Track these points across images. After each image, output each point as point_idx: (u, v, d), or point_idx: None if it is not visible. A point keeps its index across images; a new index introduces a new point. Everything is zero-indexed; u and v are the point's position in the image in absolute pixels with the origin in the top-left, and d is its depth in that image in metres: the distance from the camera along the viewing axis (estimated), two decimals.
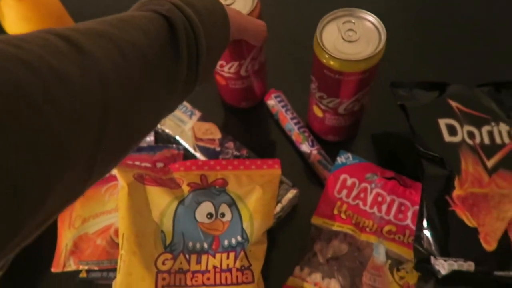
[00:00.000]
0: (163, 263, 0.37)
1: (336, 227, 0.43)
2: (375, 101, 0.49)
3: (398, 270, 0.41)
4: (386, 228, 0.43)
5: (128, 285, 0.36)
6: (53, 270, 0.41)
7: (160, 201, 0.39)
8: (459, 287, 0.42)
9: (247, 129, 0.53)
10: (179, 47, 0.28)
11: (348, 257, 0.41)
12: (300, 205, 0.47)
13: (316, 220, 0.44)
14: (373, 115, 0.51)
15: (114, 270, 0.41)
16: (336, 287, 0.40)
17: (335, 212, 0.44)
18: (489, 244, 0.38)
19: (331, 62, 0.38)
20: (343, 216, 0.44)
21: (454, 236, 0.38)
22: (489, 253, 0.38)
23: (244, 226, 0.39)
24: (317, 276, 0.41)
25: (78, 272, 0.41)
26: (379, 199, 0.45)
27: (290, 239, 0.45)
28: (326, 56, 0.38)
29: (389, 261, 0.41)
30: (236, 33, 0.36)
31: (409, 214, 0.44)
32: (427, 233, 0.39)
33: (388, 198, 0.45)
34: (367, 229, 0.43)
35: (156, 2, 0.29)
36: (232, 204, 0.40)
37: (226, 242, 0.39)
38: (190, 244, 0.38)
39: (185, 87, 0.30)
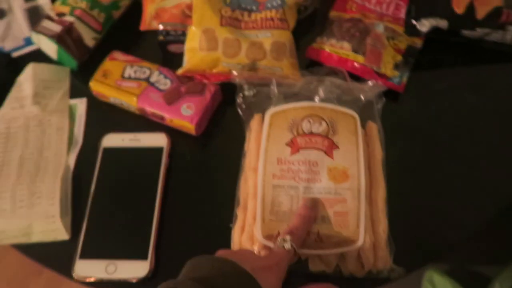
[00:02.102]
0: (225, 12, 0.52)
1: (348, 16, 0.58)
2: None
3: (393, 39, 0.56)
4: (385, 19, 0.58)
5: (201, 22, 0.51)
6: (141, 28, 0.56)
7: None
8: (437, 55, 0.57)
9: None
10: None
11: (355, 31, 0.56)
12: (320, 5, 0.62)
13: (333, 13, 0.59)
14: None
15: (184, 34, 0.55)
16: (347, 46, 0.55)
17: (347, 7, 0.59)
18: (459, 8, 0.53)
19: None
20: (353, 10, 0.59)
21: (433, 4, 0.53)
22: (458, 15, 0.53)
23: None
24: (333, 41, 0.56)
25: (157, 35, 0.57)
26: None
27: (313, 28, 0.60)
28: None
29: (386, 33, 0.56)
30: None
31: (403, 10, 0.58)
32: (413, 6, 0.54)
33: None
34: (371, 18, 0.58)
35: None
36: None
37: (269, 5, 0.54)
38: (243, 5, 0.54)
39: None
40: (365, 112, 0.48)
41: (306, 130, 0.44)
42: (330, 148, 0.43)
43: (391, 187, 0.46)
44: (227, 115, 0.55)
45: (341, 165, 0.43)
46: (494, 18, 0.53)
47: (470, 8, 0.53)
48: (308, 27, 0.61)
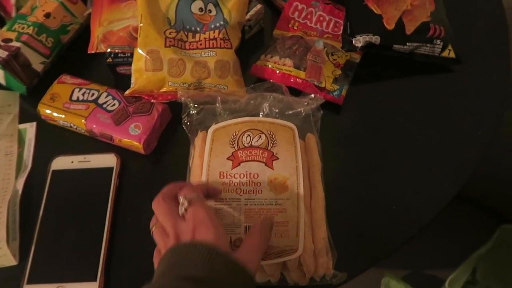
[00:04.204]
0: (170, 34, 0.54)
1: (290, 34, 0.61)
2: None
3: (332, 55, 0.59)
4: (325, 36, 0.61)
5: (146, 43, 0.53)
6: (89, 51, 0.57)
7: None
8: (374, 68, 0.60)
9: None
10: None
11: (297, 48, 0.59)
12: (265, 25, 0.65)
13: (277, 32, 0.62)
14: None
15: (132, 56, 0.57)
16: (290, 62, 0.58)
17: (290, 26, 0.62)
18: (390, 25, 0.57)
19: None
20: (295, 28, 0.62)
21: (366, 20, 0.57)
22: (389, 31, 0.56)
23: (225, 16, 0.56)
24: (276, 58, 0.58)
25: (106, 58, 0.58)
26: (321, 18, 0.63)
27: (259, 46, 0.62)
28: None
29: (326, 49, 0.59)
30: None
31: (341, 27, 0.62)
32: (348, 24, 0.57)
33: (327, 18, 0.63)
34: (312, 35, 0.61)
35: None
36: (216, 4, 0.57)
37: (212, 26, 0.56)
38: (188, 27, 0.56)
39: None
40: (305, 124, 0.50)
41: (246, 143, 0.46)
42: (270, 159, 0.45)
43: (332, 194, 0.49)
44: (177, 133, 0.56)
45: (281, 175, 0.44)
46: (422, 33, 0.57)
47: (400, 25, 0.57)
48: (255, 46, 0.63)
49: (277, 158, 0.45)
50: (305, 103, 0.51)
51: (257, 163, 0.45)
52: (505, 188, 0.90)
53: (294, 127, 0.48)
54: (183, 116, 0.52)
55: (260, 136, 0.46)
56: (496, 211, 0.89)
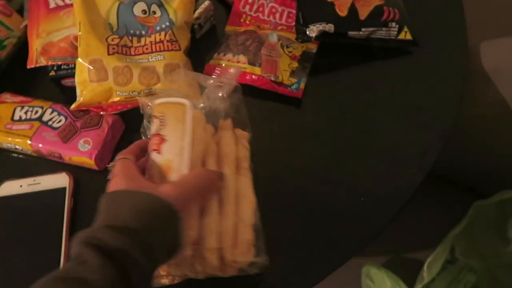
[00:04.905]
0: (112, 40, 0.51)
1: (243, 29, 0.59)
2: None
3: (287, 47, 0.57)
4: (279, 28, 0.59)
5: (88, 52, 0.49)
6: (28, 66, 0.53)
7: (105, 2, 0.52)
8: (331, 57, 0.59)
9: None
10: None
11: (251, 43, 0.57)
12: (217, 22, 0.62)
13: (229, 28, 0.60)
14: None
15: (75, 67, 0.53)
16: (244, 59, 0.55)
17: (242, 20, 0.60)
18: (342, 12, 0.55)
19: None
20: (247, 22, 0.60)
21: (318, 9, 0.55)
22: (342, 18, 0.55)
23: (171, 16, 0.53)
24: (229, 55, 0.56)
25: (48, 71, 0.54)
26: (273, 10, 0.61)
27: (212, 45, 0.60)
28: None
29: (280, 41, 0.57)
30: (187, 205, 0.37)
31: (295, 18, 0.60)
32: (300, 14, 0.55)
33: (280, 9, 0.61)
34: (265, 28, 0.59)
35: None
36: (160, 5, 0.54)
37: (158, 28, 0.53)
38: (132, 31, 0.52)
39: None
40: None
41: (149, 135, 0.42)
42: (159, 143, 0.40)
43: (299, 192, 0.47)
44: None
45: (167, 159, 0.39)
46: (376, 17, 0.56)
47: (353, 10, 0.55)
48: (207, 44, 0.61)
49: (165, 140, 0.40)
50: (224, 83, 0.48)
51: (154, 152, 0.40)
52: (478, 164, 0.90)
53: (187, 102, 0.42)
54: (142, 124, 0.49)
55: (154, 121, 0.42)
56: (471, 188, 0.89)
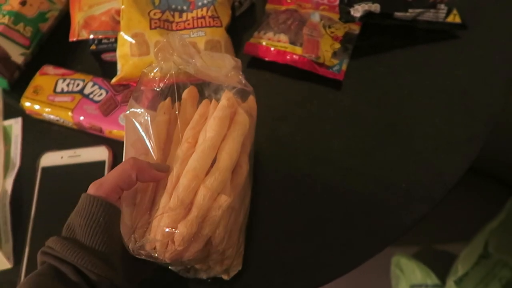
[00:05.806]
0: (154, 15, 0.50)
1: (284, 8, 0.58)
2: None
3: (329, 27, 0.55)
4: (321, 7, 0.58)
5: (130, 26, 0.49)
6: (70, 39, 0.53)
7: None
8: (375, 39, 0.57)
9: None
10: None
11: (292, 22, 0.56)
12: (257, 0, 0.61)
13: (269, 6, 0.58)
14: None
15: (116, 41, 0.53)
16: (285, 38, 0.54)
17: None
18: None
19: None
20: (289, 1, 0.58)
21: None
22: None
23: None
24: (270, 34, 0.55)
25: (89, 45, 0.54)
26: None
27: (251, 23, 0.59)
28: None
29: (322, 21, 0.55)
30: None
31: None
32: None
33: None
34: (307, 7, 0.57)
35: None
36: None
37: (200, 3, 0.52)
38: (173, 6, 0.52)
39: None
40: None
41: None
42: None
43: (340, 174, 0.46)
44: None
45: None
46: None
47: None
48: (246, 23, 0.60)
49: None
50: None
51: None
52: None
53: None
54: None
55: None
56: (508, 183, 0.86)
